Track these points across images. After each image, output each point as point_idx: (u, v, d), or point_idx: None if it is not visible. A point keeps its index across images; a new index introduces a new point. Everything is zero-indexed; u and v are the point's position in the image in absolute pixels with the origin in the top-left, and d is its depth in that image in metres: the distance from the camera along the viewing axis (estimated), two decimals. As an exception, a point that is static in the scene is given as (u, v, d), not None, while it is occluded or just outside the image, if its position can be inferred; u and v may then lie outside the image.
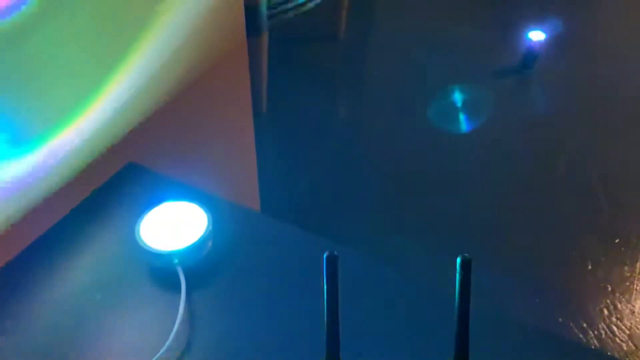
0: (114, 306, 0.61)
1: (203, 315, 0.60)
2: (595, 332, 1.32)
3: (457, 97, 1.95)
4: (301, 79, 2.09)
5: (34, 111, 0.68)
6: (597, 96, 2.03)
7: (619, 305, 1.37)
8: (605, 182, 1.69)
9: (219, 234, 0.65)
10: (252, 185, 1.19)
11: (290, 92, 2.02)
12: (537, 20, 2.18)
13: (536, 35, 2.06)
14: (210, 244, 0.64)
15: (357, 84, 2.18)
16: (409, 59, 2.19)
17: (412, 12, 2.45)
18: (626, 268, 1.46)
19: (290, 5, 1.83)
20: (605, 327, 1.33)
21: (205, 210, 0.65)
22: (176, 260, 0.61)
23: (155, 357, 0.55)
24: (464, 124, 1.87)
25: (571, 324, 1.34)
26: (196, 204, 0.66)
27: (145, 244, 0.62)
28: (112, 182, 0.75)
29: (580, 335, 1.31)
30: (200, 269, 0.63)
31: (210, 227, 0.64)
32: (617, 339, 1.31)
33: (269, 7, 1.76)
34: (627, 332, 1.32)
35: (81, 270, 0.65)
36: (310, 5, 1.89)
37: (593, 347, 1.28)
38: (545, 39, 2.06)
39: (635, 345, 1.30)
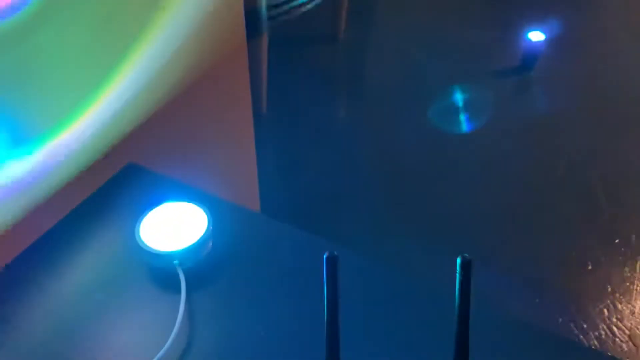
0: (114, 306, 0.61)
1: (203, 316, 0.60)
2: (596, 333, 1.32)
3: (457, 97, 1.95)
4: (301, 80, 2.09)
5: (35, 112, 0.68)
6: (597, 96, 2.03)
7: (619, 306, 1.37)
8: (605, 182, 1.69)
9: (219, 235, 0.65)
10: (252, 186, 1.19)
11: (290, 93, 2.02)
12: (537, 20, 2.18)
13: (536, 36, 2.06)
14: (210, 244, 0.65)
15: (357, 85, 2.18)
16: (409, 59, 2.19)
17: (412, 12, 2.45)
18: (626, 268, 1.46)
19: (290, 6, 1.83)
20: (605, 327, 1.33)
21: (205, 211, 0.65)
22: (176, 261, 0.61)
23: (155, 358, 0.55)
24: (464, 124, 1.87)
25: (571, 324, 1.34)
26: (196, 204, 0.66)
27: (145, 245, 0.62)
28: (112, 183, 0.75)
29: (581, 336, 1.31)
30: (200, 270, 0.63)
31: (210, 228, 0.64)
32: (617, 340, 1.31)
33: (269, 8, 1.76)
34: (627, 332, 1.32)
35: (81, 271, 0.65)
36: (310, 6, 1.89)
37: (593, 347, 1.28)
38: (545, 40, 2.06)
39: (635, 345, 1.30)
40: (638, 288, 1.41)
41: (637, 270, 1.45)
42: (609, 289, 1.41)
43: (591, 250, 1.50)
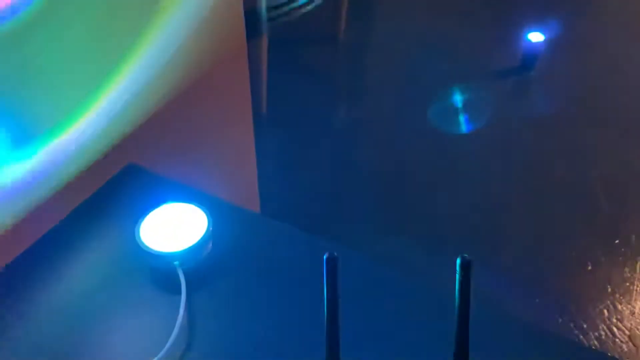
0: (114, 307, 0.61)
1: (203, 317, 0.60)
2: (595, 333, 1.32)
3: (457, 97, 1.95)
4: (301, 81, 2.09)
5: (35, 112, 0.68)
6: (597, 97, 2.03)
7: (619, 306, 1.37)
8: (605, 182, 1.70)
9: (219, 235, 0.65)
10: (252, 187, 1.19)
11: (290, 94, 2.02)
12: (537, 21, 2.18)
13: (536, 37, 2.06)
14: (210, 245, 0.65)
15: (357, 85, 2.18)
16: (409, 60, 2.19)
17: (412, 13, 2.45)
18: (626, 269, 1.46)
19: (290, 7, 1.83)
20: (605, 327, 1.33)
21: (205, 212, 0.65)
22: (176, 262, 0.61)
23: (155, 358, 0.55)
24: (463, 124, 1.87)
25: (571, 324, 1.34)
26: (196, 205, 0.66)
27: (145, 246, 0.62)
28: (112, 184, 0.75)
29: (581, 336, 1.31)
30: (200, 270, 0.63)
31: (210, 229, 0.64)
32: (617, 340, 1.31)
33: (269, 9, 1.77)
34: (627, 332, 1.32)
35: (81, 272, 0.65)
36: (310, 7, 1.89)
37: (593, 347, 1.28)
38: (545, 40, 2.06)
39: (635, 345, 1.30)
40: (638, 288, 1.41)
41: (637, 271, 1.45)
42: (609, 289, 1.41)
43: (591, 250, 1.50)
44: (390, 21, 2.44)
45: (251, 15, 1.68)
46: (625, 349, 1.30)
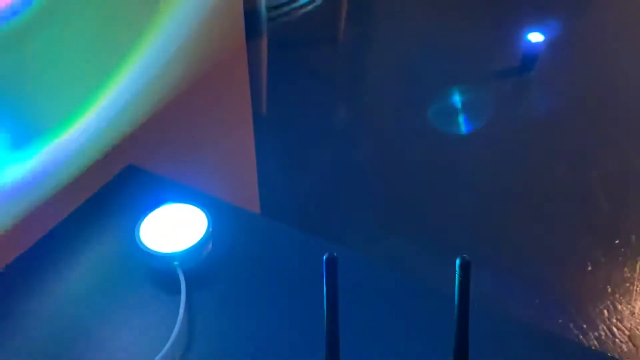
0: (115, 308, 0.61)
1: (203, 317, 0.60)
2: (595, 333, 1.32)
3: (457, 98, 1.95)
4: (301, 81, 2.09)
5: (34, 113, 0.68)
6: (597, 97, 2.03)
7: (619, 306, 1.37)
8: (605, 182, 1.70)
9: (219, 236, 0.65)
10: (252, 187, 1.19)
11: (290, 94, 2.02)
12: (537, 21, 2.19)
13: (535, 37, 2.06)
14: (210, 245, 0.65)
15: (356, 86, 2.18)
16: (409, 60, 2.19)
17: (412, 13, 2.45)
18: (626, 269, 1.46)
19: (290, 7, 1.83)
20: (605, 328, 1.33)
21: (205, 212, 0.65)
22: (176, 262, 0.62)
23: (155, 359, 0.55)
24: (463, 125, 1.87)
25: (571, 324, 1.34)
26: (196, 205, 0.66)
27: (145, 246, 0.62)
28: (112, 184, 0.75)
29: (580, 336, 1.31)
30: (200, 271, 0.63)
31: (210, 229, 0.64)
32: (617, 340, 1.31)
33: (269, 10, 1.77)
34: (627, 333, 1.32)
35: (81, 273, 0.65)
36: (310, 7, 1.89)
37: (593, 347, 1.28)
38: (545, 41, 2.06)
39: (635, 346, 1.30)
40: (638, 289, 1.41)
41: (637, 271, 1.45)
42: (609, 290, 1.41)
43: (591, 250, 1.50)
44: (390, 21, 2.44)
45: (251, 15, 1.68)
46: (625, 349, 1.30)
